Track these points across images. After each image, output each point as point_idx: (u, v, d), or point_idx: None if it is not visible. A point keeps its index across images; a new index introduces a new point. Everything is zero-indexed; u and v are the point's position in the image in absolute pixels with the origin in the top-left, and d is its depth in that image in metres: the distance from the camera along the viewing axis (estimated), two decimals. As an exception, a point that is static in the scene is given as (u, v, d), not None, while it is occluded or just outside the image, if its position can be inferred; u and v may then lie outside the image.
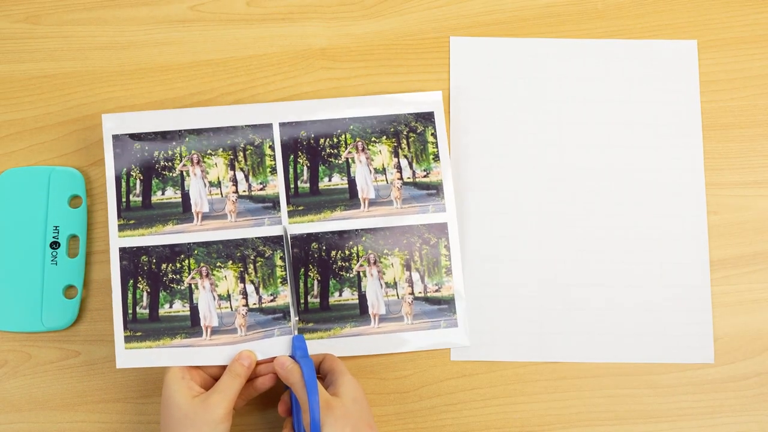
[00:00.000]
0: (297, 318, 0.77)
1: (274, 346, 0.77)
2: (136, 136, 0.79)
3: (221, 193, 0.80)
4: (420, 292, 0.80)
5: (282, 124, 0.81)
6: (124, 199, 0.79)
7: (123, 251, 0.78)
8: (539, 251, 0.83)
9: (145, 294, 0.78)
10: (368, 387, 0.80)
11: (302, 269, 0.79)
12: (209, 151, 0.80)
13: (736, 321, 0.82)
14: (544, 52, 0.87)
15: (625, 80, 0.87)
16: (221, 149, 0.80)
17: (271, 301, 0.79)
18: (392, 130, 0.82)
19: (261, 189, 0.80)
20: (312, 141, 0.81)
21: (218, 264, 0.79)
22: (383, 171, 0.82)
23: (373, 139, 0.82)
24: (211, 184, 0.80)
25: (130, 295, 0.77)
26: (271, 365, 0.75)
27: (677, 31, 0.88)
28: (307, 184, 0.81)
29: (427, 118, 0.83)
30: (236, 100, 0.85)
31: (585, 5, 0.88)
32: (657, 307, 0.82)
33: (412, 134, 0.82)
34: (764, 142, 0.86)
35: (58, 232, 0.82)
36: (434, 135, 0.83)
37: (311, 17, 0.88)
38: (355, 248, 0.80)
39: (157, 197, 0.79)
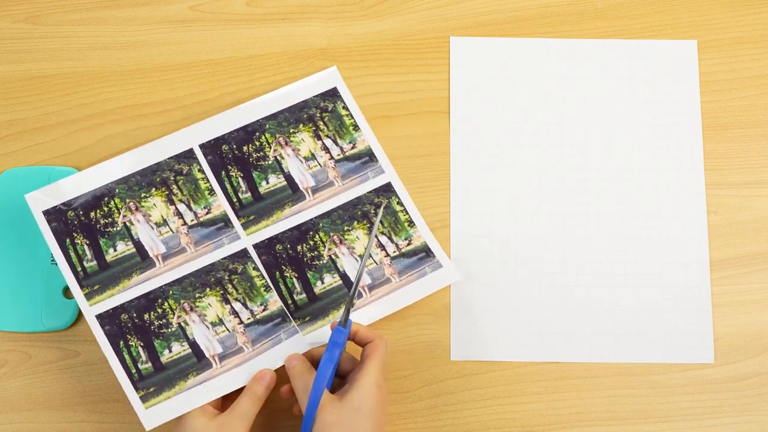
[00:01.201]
0: (351, 305, 0.73)
1: (286, 349, 0.77)
2: (66, 205, 0.78)
3: (171, 230, 0.79)
4: (394, 252, 0.81)
5: (201, 146, 0.81)
6: (79, 269, 0.78)
7: (101, 317, 0.77)
8: (539, 251, 0.83)
9: (140, 349, 0.77)
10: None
11: (277, 273, 0.80)
12: (143, 195, 0.79)
13: (736, 321, 0.82)
14: (544, 52, 0.87)
15: (625, 80, 0.87)
16: (154, 188, 0.80)
17: (264, 310, 0.79)
18: (305, 116, 0.83)
19: (207, 213, 0.80)
20: (236, 151, 0.81)
21: (197, 295, 0.78)
22: (313, 157, 0.82)
23: (291, 130, 0.83)
24: (158, 224, 0.79)
25: (126, 356, 0.77)
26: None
27: (677, 31, 0.88)
28: (248, 194, 0.81)
29: (332, 94, 0.84)
30: (236, 100, 0.85)
31: (585, 5, 0.88)
32: (657, 307, 0.82)
33: (325, 114, 0.83)
34: (764, 142, 0.86)
35: (58, 232, 0.82)
36: (345, 107, 0.84)
37: (311, 17, 0.88)
38: (317, 236, 0.81)
39: (110, 255, 0.78)
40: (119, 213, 0.78)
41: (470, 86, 0.86)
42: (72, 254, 0.77)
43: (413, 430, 0.80)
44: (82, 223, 0.77)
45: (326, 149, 0.83)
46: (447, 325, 0.82)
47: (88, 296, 0.77)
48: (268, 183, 0.81)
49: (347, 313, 0.72)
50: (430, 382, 0.81)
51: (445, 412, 0.80)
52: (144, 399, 0.76)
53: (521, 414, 0.80)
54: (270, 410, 0.79)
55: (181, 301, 0.78)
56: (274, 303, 0.79)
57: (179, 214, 0.79)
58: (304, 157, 0.82)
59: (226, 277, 0.79)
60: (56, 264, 0.81)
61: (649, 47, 0.87)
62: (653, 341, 0.81)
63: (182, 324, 0.78)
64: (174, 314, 0.78)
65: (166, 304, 0.78)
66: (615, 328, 0.82)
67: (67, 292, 0.81)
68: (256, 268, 0.79)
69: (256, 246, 0.80)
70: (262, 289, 0.79)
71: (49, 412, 0.80)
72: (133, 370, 0.76)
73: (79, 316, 0.81)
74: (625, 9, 0.88)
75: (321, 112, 0.83)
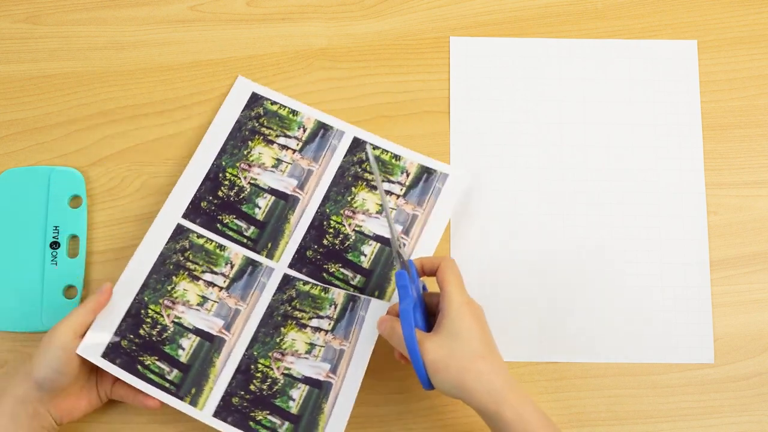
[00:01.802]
0: (399, 243, 0.72)
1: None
2: (116, 336, 0.76)
3: (214, 300, 0.79)
4: (401, 189, 0.82)
5: (184, 216, 0.80)
6: (168, 385, 0.75)
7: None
8: (539, 251, 0.83)
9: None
10: (368, 387, 0.80)
11: (325, 274, 0.80)
12: (169, 287, 0.78)
13: (736, 321, 0.82)
14: (544, 52, 0.87)
15: (625, 80, 0.87)
16: (174, 276, 0.79)
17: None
18: (247, 133, 0.84)
19: (231, 268, 0.80)
20: (215, 201, 0.81)
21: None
22: (279, 161, 0.83)
23: (245, 152, 0.83)
24: (200, 304, 0.78)
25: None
26: None
27: (677, 31, 0.88)
28: (252, 227, 0.81)
29: (255, 99, 0.85)
30: (236, 100, 0.85)
31: (585, 5, 0.88)
32: (657, 307, 0.82)
33: (261, 119, 0.84)
34: (764, 142, 0.86)
35: (58, 232, 0.82)
36: (273, 102, 0.84)
37: (311, 17, 0.88)
38: (332, 221, 0.81)
39: (183, 356, 0.77)
40: (163, 316, 0.77)
41: (470, 86, 0.86)
42: (153, 377, 0.75)
43: (413, 430, 0.80)
44: (139, 344, 0.76)
45: (285, 147, 0.83)
46: (447, 325, 0.82)
47: (193, 402, 0.75)
48: (260, 208, 0.82)
49: (398, 255, 0.71)
50: (430, 382, 0.81)
51: (445, 412, 0.80)
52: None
53: (521, 414, 0.80)
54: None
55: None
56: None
57: (211, 284, 0.79)
58: (272, 166, 0.83)
59: (289, 308, 0.79)
60: (56, 264, 0.81)
61: (649, 47, 0.87)
62: (653, 341, 0.81)
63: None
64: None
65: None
66: (615, 328, 0.82)
67: (67, 291, 0.81)
68: (306, 283, 0.79)
69: (291, 265, 0.80)
70: (323, 293, 0.79)
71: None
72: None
73: (79, 316, 0.81)
74: (625, 9, 0.88)
75: (256, 121, 0.84)
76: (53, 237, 0.81)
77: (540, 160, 0.85)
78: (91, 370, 0.75)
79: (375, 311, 0.78)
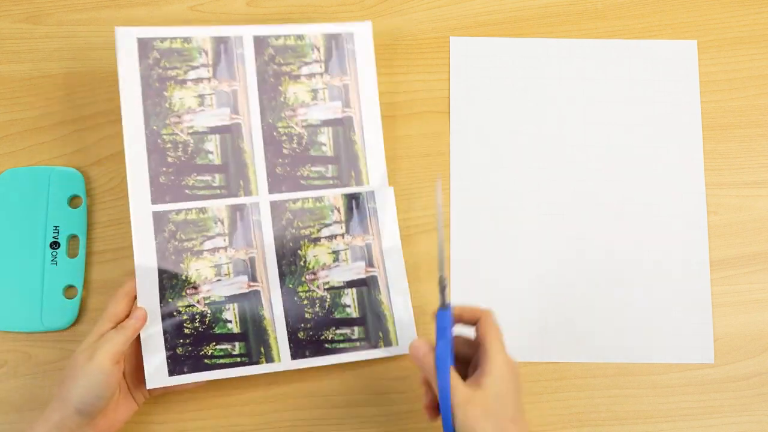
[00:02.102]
0: (445, 280, 0.70)
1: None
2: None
3: None
4: (321, 66, 0.81)
5: None
6: None
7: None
8: (539, 251, 0.83)
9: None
10: (368, 387, 0.80)
11: (302, 182, 0.80)
12: None
13: (736, 321, 0.82)
14: (544, 52, 0.87)
15: (625, 80, 0.87)
16: None
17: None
18: (157, 84, 0.80)
19: None
20: (166, 178, 0.79)
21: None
22: (201, 97, 0.80)
23: (165, 105, 0.80)
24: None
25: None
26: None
27: (677, 31, 0.88)
28: (217, 175, 0.79)
29: (144, 46, 0.80)
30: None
31: (585, 5, 0.88)
32: (657, 307, 0.82)
33: (163, 61, 0.80)
34: (764, 142, 0.86)
35: (58, 232, 0.82)
36: (164, 40, 0.81)
37: (311, 17, 0.88)
38: (279, 127, 0.80)
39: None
40: (194, 305, 0.77)
41: (470, 86, 0.86)
42: (223, 361, 0.76)
43: (413, 430, 0.80)
44: (192, 343, 0.76)
45: (198, 79, 0.80)
46: (447, 325, 0.82)
47: (269, 359, 0.76)
48: (212, 152, 0.79)
49: (443, 295, 0.68)
50: (430, 382, 0.81)
51: (445, 412, 0.80)
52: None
53: (521, 414, 0.80)
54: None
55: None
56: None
57: (215, 250, 0.78)
58: (198, 105, 0.80)
59: (293, 231, 0.78)
60: (56, 264, 0.81)
61: (649, 47, 0.87)
62: (653, 341, 0.81)
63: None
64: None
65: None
66: (615, 328, 0.82)
67: (67, 291, 0.81)
68: (295, 201, 0.79)
69: (271, 191, 0.79)
70: (318, 203, 0.79)
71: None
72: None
73: (79, 316, 0.81)
74: (625, 9, 0.88)
75: (158, 67, 0.80)
76: (53, 237, 0.81)
77: (540, 160, 0.85)
78: (122, 380, 0.75)
79: (383, 199, 0.79)
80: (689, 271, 0.83)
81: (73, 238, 0.82)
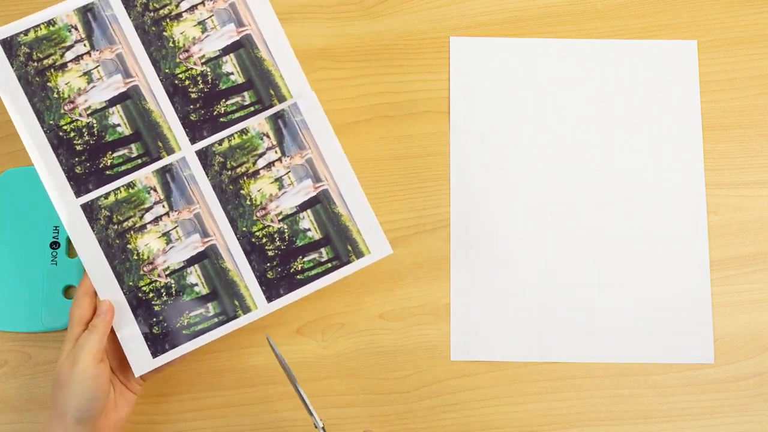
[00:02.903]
0: (321, 423, 0.72)
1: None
2: None
3: None
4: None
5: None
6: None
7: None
8: (539, 251, 0.83)
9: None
10: (368, 387, 0.80)
11: (221, 120, 0.76)
12: None
13: (736, 321, 0.82)
14: (544, 52, 0.87)
15: (625, 80, 0.87)
16: None
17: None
18: (37, 79, 0.77)
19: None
20: (82, 167, 0.77)
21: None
22: (88, 74, 0.77)
23: (53, 95, 0.77)
24: None
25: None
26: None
27: (677, 31, 0.88)
28: (133, 145, 0.77)
29: (9, 45, 0.77)
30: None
31: (585, 5, 0.88)
32: (657, 307, 0.82)
33: (34, 53, 0.77)
34: (764, 142, 0.86)
35: (58, 232, 0.82)
36: (27, 32, 0.77)
37: (311, 17, 0.88)
38: (177, 73, 0.77)
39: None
40: (156, 280, 0.75)
41: (470, 86, 0.86)
42: (202, 325, 0.75)
43: (413, 430, 0.80)
44: (165, 318, 0.75)
45: (78, 57, 0.77)
46: (447, 325, 0.82)
47: (246, 309, 0.75)
48: (120, 125, 0.76)
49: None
50: (430, 382, 0.81)
51: (445, 412, 0.80)
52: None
53: (521, 414, 0.80)
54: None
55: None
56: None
57: (157, 219, 0.76)
58: (88, 82, 0.77)
59: (229, 172, 0.76)
60: (56, 264, 0.81)
61: (649, 47, 0.87)
62: (653, 341, 0.81)
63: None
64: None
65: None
66: (615, 328, 0.82)
67: (67, 291, 0.81)
68: (220, 142, 0.76)
69: (192, 141, 0.76)
70: (243, 136, 0.76)
71: (49, 412, 0.80)
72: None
73: (79, 316, 0.81)
74: (625, 9, 0.88)
75: (31, 60, 0.77)
76: (53, 237, 0.81)
77: (540, 161, 0.85)
78: (112, 377, 0.74)
79: (308, 107, 0.75)
80: (689, 271, 0.83)
81: (73, 238, 0.82)
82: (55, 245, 0.81)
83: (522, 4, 0.88)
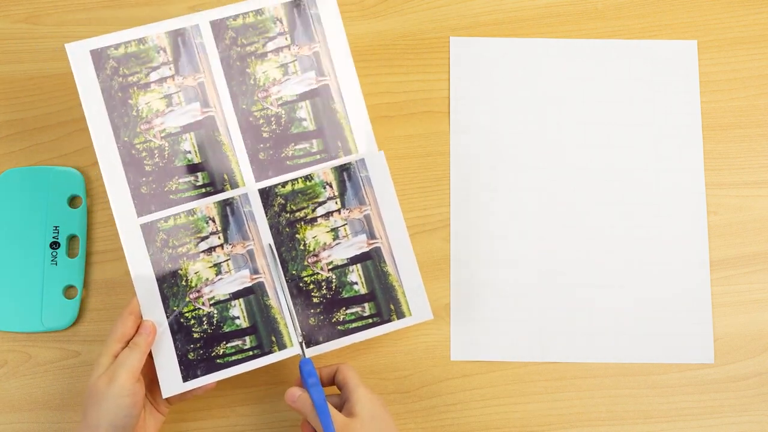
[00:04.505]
0: (301, 338, 0.75)
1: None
2: None
3: None
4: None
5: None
6: None
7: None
8: (539, 251, 0.83)
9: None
10: (368, 387, 0.80)
11: (288, 162, 0.78)
12: None
13: (736, 321, 0.82)
14: (544, 52, 0.87)
15: (625, 80, 0.87)
16: None
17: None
18: (120, 94, 0.78)
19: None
20: (147, 188, 0.77)
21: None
22: (168, 97, 0.78)
23: (132, 113, 0.78)
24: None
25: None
26: None
27: (677, 31, 0.88)
28: (200, 173, 0.78)
29: (99, 56, 0.77)
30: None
31: (585, 5, 0.88)
32: (657, 307, 0.82)
33: (121, 68, 0.78)
34: (764, 142, 0.86)
35: (57, 232, 0.82)
36: (117, 47, 0.77)
37: (311, 17, 0.88)
38: (254, 111, 0.78)
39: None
40: (199, 308, 0.75)
41: (470, 86, 0.86)
42: (236, 357, 0.75)
43: (413, 430, 0.80)
44: (203, 345, 0.75)
45: (162, 80, 0.78)
46: (447, 325, 0.82)
47: (281, 346, 0.75)
48: (190, 152, 0.77)
49: (303, 349, 0.74)
50: (430, 382, 0.81)
51: (445, 412, 0.80)
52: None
53: (521, 414, 0.80)
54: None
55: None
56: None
57: (211, 249, 0.76)
58: (167, 106, 0.78)
59: (287, 215, 0.76)
60: (56, 264, 0.81)
61: (649, 47, 0.87)
62: (653, 341, 0.81)
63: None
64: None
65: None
66: (615, 328, 0.82)
67: (67, 291, 0.81)
68: (284, 185, 0.77)
69: (258, 179, 0.77)
70: (308, 182, 0.77)
71: (49, 412, 0.80)
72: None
73: (79, 316, 0.81)
74: (625, 9, 0.88)
75: (117, 75, 0.77)
76: (53, 237, 0.81)
77: (540, 161, 0.85)
78: (144, 396, 0.74)
79: (374, 165, 0.77)
80: (689, 271, 0.83)
81: (72, 238, 0.82)
82: (55, 245, 0.81)
83: (522, 4, 0.88)
